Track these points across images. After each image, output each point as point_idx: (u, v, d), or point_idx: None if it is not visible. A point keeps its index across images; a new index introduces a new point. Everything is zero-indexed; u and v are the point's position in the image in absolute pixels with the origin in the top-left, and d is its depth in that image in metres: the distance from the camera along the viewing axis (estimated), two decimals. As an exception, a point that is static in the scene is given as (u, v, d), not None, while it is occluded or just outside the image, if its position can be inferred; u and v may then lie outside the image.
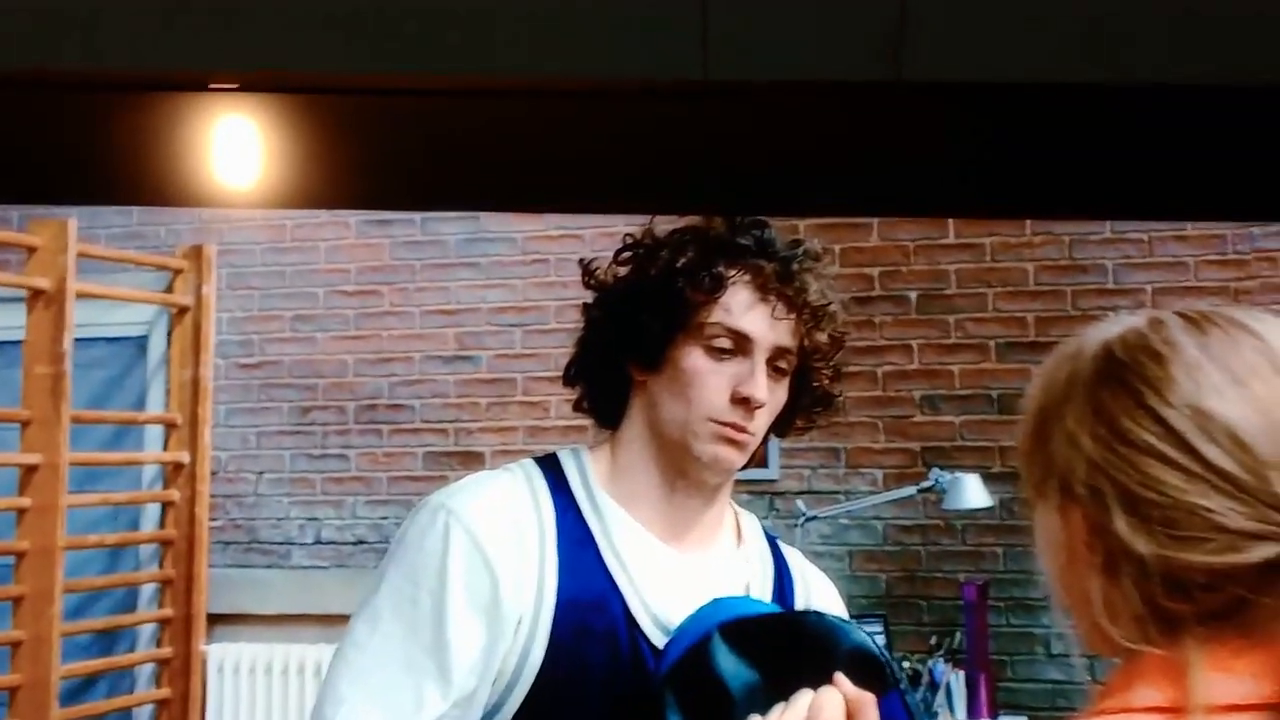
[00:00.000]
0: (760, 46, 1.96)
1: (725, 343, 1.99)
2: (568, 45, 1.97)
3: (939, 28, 1.96)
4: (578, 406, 2.14)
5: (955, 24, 1.96)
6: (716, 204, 2.08)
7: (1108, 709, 1.21)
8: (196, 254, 5.62)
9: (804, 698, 1.71)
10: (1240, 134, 1.92)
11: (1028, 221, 5.09)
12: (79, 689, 5.41)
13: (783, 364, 2.03)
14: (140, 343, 5.87)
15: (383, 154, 2.01)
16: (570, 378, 2.13)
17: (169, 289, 5.62)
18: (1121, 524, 1.21)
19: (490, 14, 1.95)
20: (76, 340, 4.99)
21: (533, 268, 5.70)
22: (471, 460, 5.61)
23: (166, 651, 5.48)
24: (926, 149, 2.05)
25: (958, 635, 5.03)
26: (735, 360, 2.00)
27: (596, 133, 2.05)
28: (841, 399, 2.15)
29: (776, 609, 2.06)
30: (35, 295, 4.96)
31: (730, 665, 1.85)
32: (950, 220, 5.19)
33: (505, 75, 1.96)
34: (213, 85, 1.96)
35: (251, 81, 1.97)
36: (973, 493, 4.83)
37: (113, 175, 2.00)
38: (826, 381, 2.10)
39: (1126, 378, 1.25)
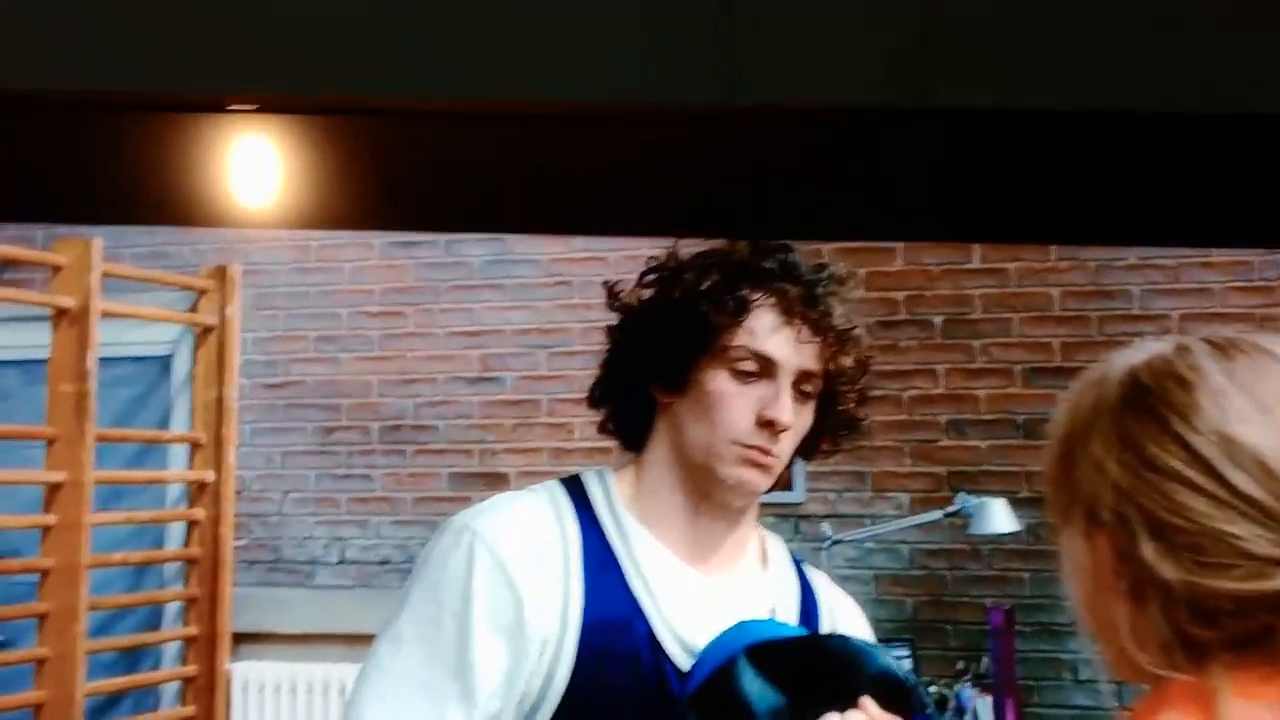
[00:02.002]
0: (784, 70, 1.96)
1: (750, 366, 1.99)
2: (590, 68, 1.97)
3: (961, 53, 1.96)
4: (602, 428, 2.14)
5: (977, 49, 1.96)
6: (740, 227, 2.07)
7: (1134, 736, 1.21)
8: (221, 274, 5.64)
9: (829, 721, 1.71)
10: (1268, 161, 1.91)
11: (1053, 247, 5.08)
12: (103, 707, 5.42)
13: (808, 387, 2.03)
14: (165, 362, 5.89)
15: (403, 176, 2.01)
16: (594, 400, 2.13)
17: (193, 309, 5.64)
18: (1148, 550, 1.21)
19: (513, 37, 1.95)
20: (101, 359, 5.00)
21: (557, 290, 5.71)
22: (496, 481, 5.61)
23: (191, 670, 5.49)
24: (951, 174, 2.05)
25: (984, 660, 5.02)
26: (760, 383, 1.99)
27: (620, 156, 2.05)
28: (867, 423, 2.14)
29: (802, 632, 2.05)
30: (60, 314, 4.97)
31: (755, 688, 1.85)
32: (975, 246, 5.19)
33: (526, 97, 1.96)
34: (231, 106, 1.97)
35: (270, 102, 1.97)
36: (999, 517, 4.82)
37: (133, 195, 2.01)
38: (852, 405, 2.10)
39: (1152, 404, 1.25)
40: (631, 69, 1.94)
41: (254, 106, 1.95)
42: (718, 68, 1.93)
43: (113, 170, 1.97)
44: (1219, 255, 5.03)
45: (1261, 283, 5.07)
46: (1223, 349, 1.27)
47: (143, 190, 1.96)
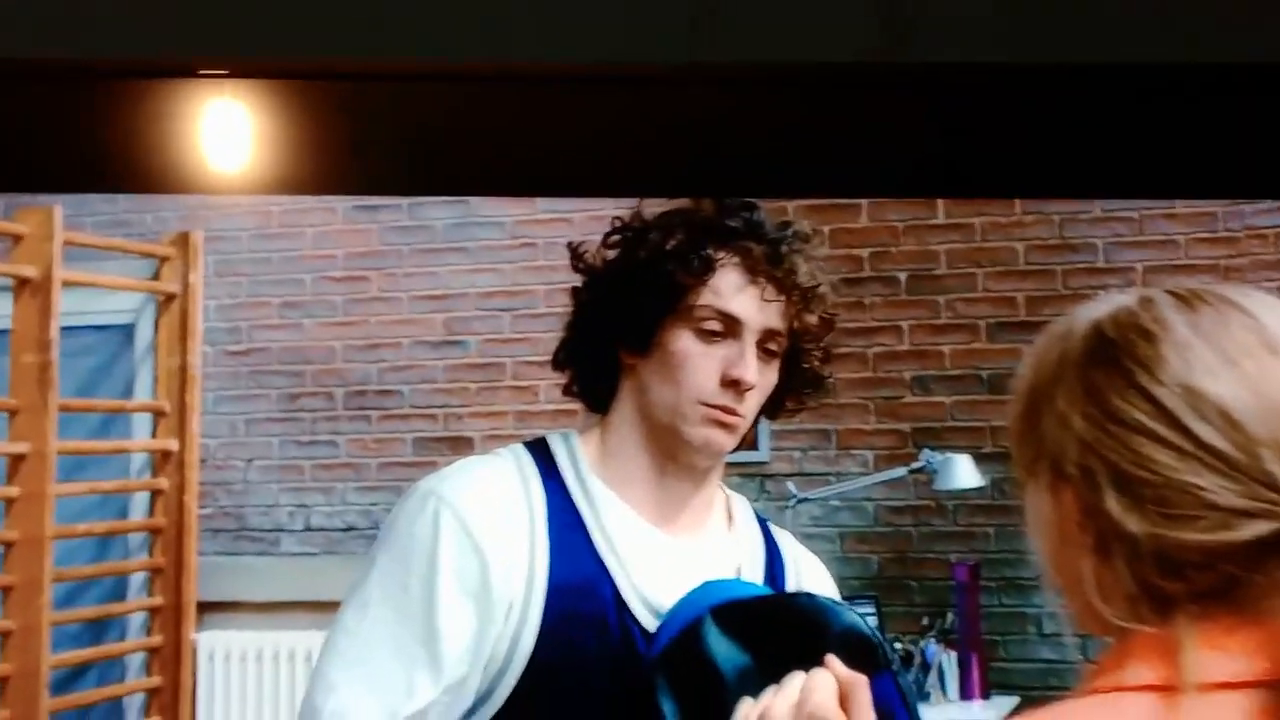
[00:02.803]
0: (747, 29, 1.96)
1: (715, 325, 1.99)
2: (555, 29, 1.96)
3: (929, 10, 1.95)
4: (567, 391, 2.14)
5: (945, 6, 1.96)
6: (705, 187, 2.07)
7: (1100, 688, 1.21)
8: (183, 241, 5.61)
9: (796, 679, 1.71)
10: (1230, 111, 1.92)
11: (1017, 201, 5.08)
12: (69, 678, 5.40)
13: (773, 346, 2.02)
14: (127, 330, 5.85)
15: (372, 139, 2.00)
16: (559, 362, 2.13)
17: (155, 276, 5.60)
18: (1113, 503, 1.21)
19: (480, 1, 1.95)
20: (63, 328, 4.98)
21: (521, 252, 5.70)
22: (461, 445, 5.60)
23: (156, 640, 5.47)
24: (914, 129, 2.05)
25: (949, 616, 5.04)
26: (725, 343, 1.99)
27: (585, 117, 2.05)
28: (832, 381, 2.14)
29: (768, 591, 2.06)
30: (21, 284, 4.94)
31: (722, 648, 1.85)
32: (939, 201, 5.19)
33: (492, 60, 1.95)
34: (202, 71, 1.95)
35: (241, 67, 1.96)
36: (964, 473, 4.83)
37: (103, 162, 2.00)
38: (817, 363, 2.10)
39: (1117, 357, 1.25)
40: (598, 32, 1.94)
41: (225, 71, 1.94)
42: (682, 28, 1.93)
43: (83, 137, 1.96)
44: (1183, 207, 5.04)
45: (1225, 233, 5.07)
46: (1187, 301, 1.26)
47: (114, 157, 1.95)
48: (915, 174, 2.09)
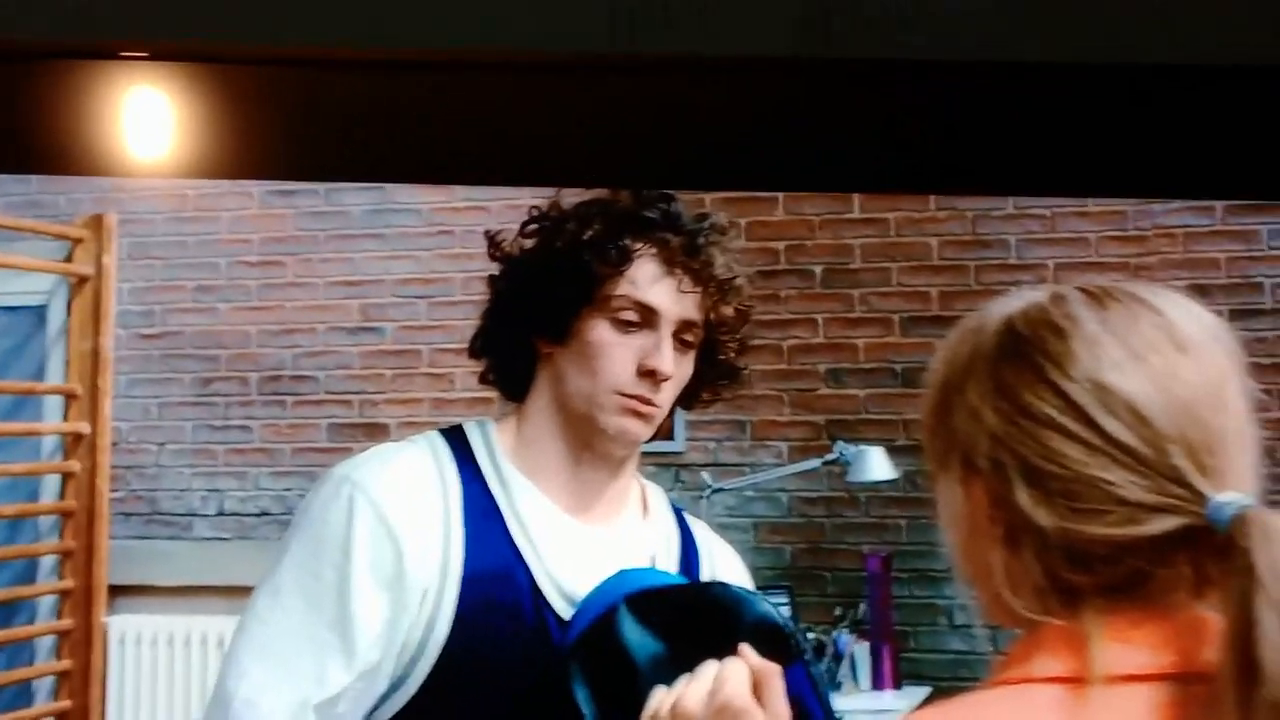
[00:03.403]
0: (668, 20, 1.96)
1: (631, 315, 1.99)
2: (476, 17, 1.95)
3: (850, 5, 1.97)
4: (483, 379, 2.14)
5: (866, 3, 1.97)
6: (623, 178, 2.07)
7: (1009, 679, 1.22)
8: (97, 223, 5.55)
9: (709, 668, 1.72)
10: (1140, 112, 1.94)
11: (931, 197, 5.11)
12: (-23, 662, 5.35)
13: (689, 337, 2.03)
14: (39, 313, 5.79)
15: (293, 125, 2.00)
16: (476, 350, 2.13)
17: (69, 258, 5.55)
18: (1023, 496, 1.23)
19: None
20: (-26, 310, 4.93)
21: (438, 239, 5.68)
22: (376, 432, 5.58)
23: (67, 623, 5.42)
24: (832, 124, 2.06)
25: (861, 606, 5.07)
26: (641, 333, 2.00)
27: (503, 105, 2.04)
28: (747, 372, 2.16)
29: (682, 580, 2.06)
30: (-68, 264, 4.89)
31: (636, 637, 1.86)
32: (855, 195, 5.21)
33: (413, 47, 1.95)
34: (123, 54, 1.94)
35: (162, 50, 1.95)
36: (876, 465, 4.86)
37: (20, 143, 1.98)
38: (732, 355, 2.11)
39: (1028, 352, 1.26)
40: (518, 20, 1.94)
41: (145, 54, 1.92)
42: (602, 18, 1.93)
43: (1, 118, 1.94)
44: (1094, 205, 5.08)
45: (1135, 232, 5.13)
46: (1097, 297, 1.28)
47: (32, 137, 1.93)
48: (833, 168, 2.10)
